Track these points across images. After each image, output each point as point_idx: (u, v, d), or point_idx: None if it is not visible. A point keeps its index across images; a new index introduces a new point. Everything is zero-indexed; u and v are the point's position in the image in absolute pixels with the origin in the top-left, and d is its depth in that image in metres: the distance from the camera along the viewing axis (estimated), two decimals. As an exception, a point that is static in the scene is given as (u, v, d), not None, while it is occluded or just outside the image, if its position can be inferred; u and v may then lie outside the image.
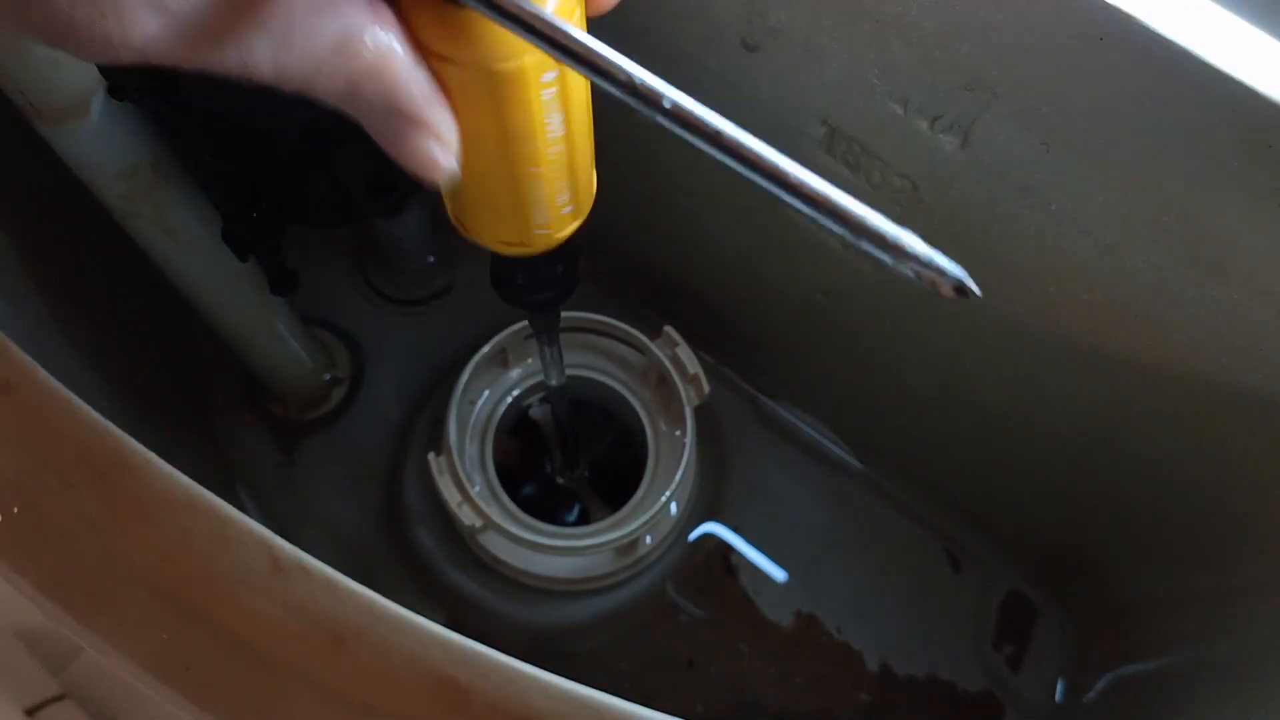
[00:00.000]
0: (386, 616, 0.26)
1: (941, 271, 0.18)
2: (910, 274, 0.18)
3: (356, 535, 0.66)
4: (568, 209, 0.27)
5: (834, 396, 0.68)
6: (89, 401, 0.28)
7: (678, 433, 0.62)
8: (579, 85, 0.23)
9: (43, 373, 0.28)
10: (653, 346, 0.62)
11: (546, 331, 0.43)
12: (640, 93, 0.19)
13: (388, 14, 0.19)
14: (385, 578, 0.65)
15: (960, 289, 0.18)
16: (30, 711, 0.60)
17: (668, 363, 0.61)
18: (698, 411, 0.62)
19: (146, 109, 0.43)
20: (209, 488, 0.27)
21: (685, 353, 0.61)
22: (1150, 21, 0.33)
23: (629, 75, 0.19)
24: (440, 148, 0.21)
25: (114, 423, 0.28)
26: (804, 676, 0.65)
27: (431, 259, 0.72)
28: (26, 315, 0.44)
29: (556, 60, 0.19)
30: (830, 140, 0.46)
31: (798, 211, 0.19)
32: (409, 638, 0.26)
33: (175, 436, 0.62)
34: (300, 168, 0.47)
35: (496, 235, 0.27)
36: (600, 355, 0.66)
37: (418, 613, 0.26)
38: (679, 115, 0.19)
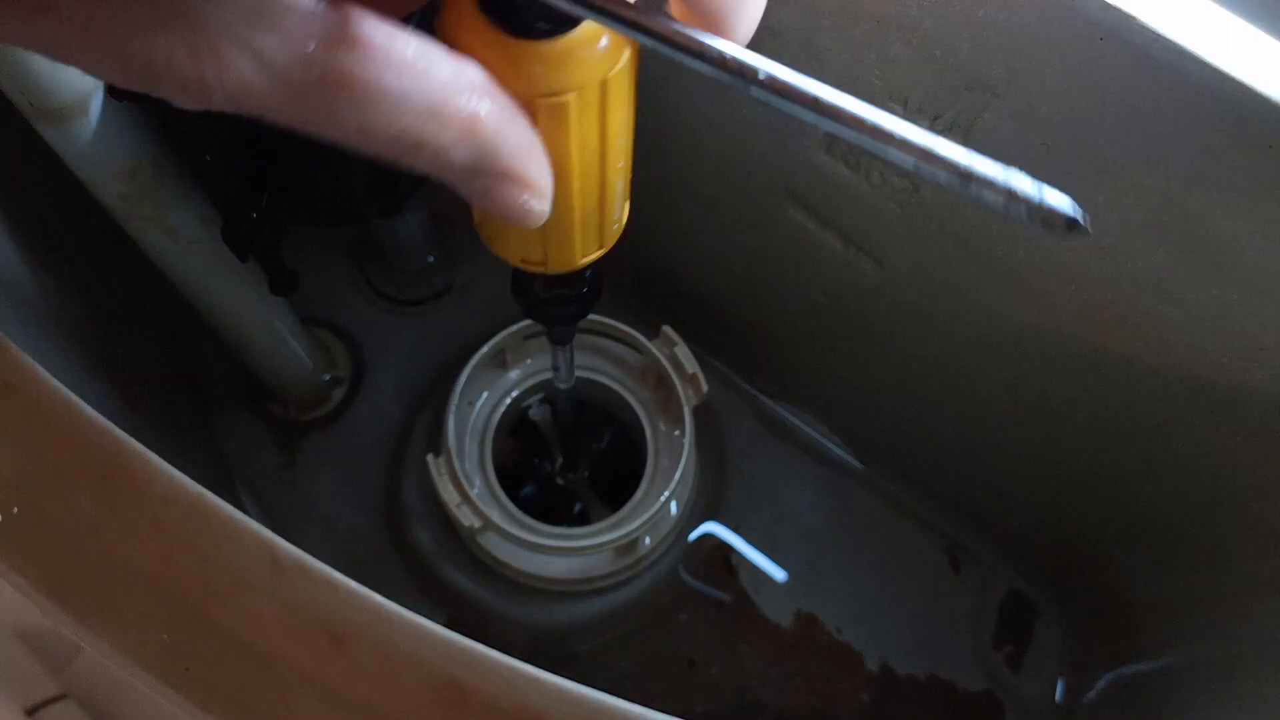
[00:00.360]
0: (386, 616, 0.26)
1: (1052, 210, 0.18)
2: (1023, 214, 0.18)
3: (356, 535, 0.66)
4: (594, 237, 0.27)
5: (834, 396, 0.68)
6: (89, 401, 0.28)
7: (676, 433, 0.62)
8: (620, 119, 0.23)
9: (43, 373, 0.28)
10: (651, 346, 0.62)
11: (563, 341, 0.43)
12: (732, 68, 0.18)
13: (474, 69, 0.18)
14: (385, 578, 0.65)
15: (1071, 224, 0.18)
16: (30, 711, 0.60)
17: (666, 362, 0.61)
18: (697, 411, 0.62)
19: (146, 109, 0.43)
20: (209, 488, 0.27)
21: (684, 352, 0.61)
22: (1150, 21, 0.33)
23: (720, 53, 0.18)
24: (535, 199, 0.20)
25: (114, 423, 0.27)
26: (804, 676, 0.65)
27: (431, 259, 0.72)
28: (26, 315, 0.44)
29: (657, 50, 0.18)
30: (830, 140, 0.46)
31: (899, 165, 0.18)
32: (409, 638, 0.26)
33: (175, 436, 0.62)
34: (300, 168, 0.47)
35: (518, 252, 0.27)
36: (599, 355, 0.66)
37: (418, 613, 0.26)
38: (774, 86, 0.18)
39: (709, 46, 0.18)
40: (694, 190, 0.58)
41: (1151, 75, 0.34)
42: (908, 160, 0.18)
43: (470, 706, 0.25)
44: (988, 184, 0.18)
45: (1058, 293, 0.45)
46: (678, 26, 0.18)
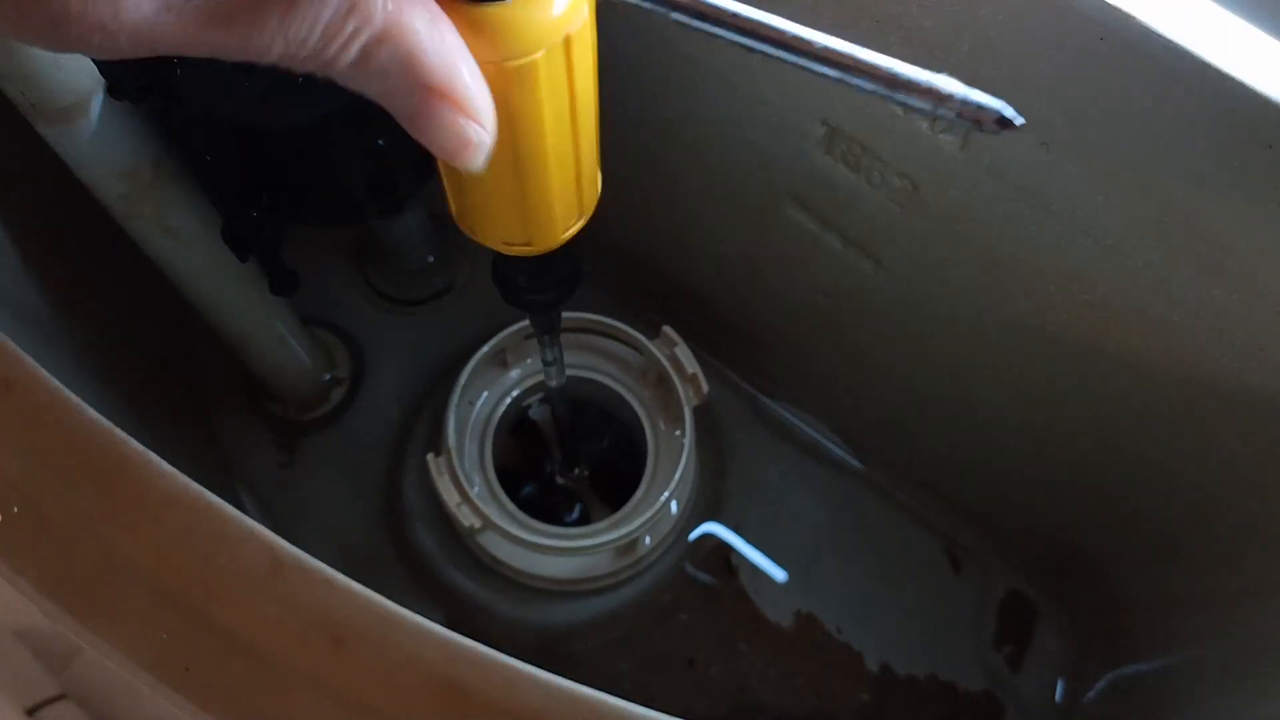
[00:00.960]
0: (386, 616, 0.26)
1: (980, 107, 0.18)
2: (953, 115, 0.18)
3: (356, 535, 0.66)
4: (574, 205, 0.27)
5: (834, 396, 0.68)
6: (89, 401, 0.28)
7: (677, 432, 0.62)
8: (586, 77, 0.23)
9: (43, 373, 0.28)
10: (651, 346, 0.62)
11: (548, 331, 0.43)
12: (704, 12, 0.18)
13: None
14: (385, 578, 0.65)
15: (1001, 120, 0.18)
16: (30, 711, 0.60)
17: (666, 362, 0.61)
18: (697, 411, 0.62)
19: (146, 109, 0.43)
20: (209, 488, 0.27)
21: (684, 352, 0.61)
22: (1150, 21, 0.33)
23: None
24: (469, 123, 0.19)
25: (114, 423, 0.27)
26: (804, 676, 0.65)
27: (431, 259, 0.72)
28: (27, 315, 0.44)
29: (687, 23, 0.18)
30: (830, 140, 0.46)
31: (826, 76, 0.19)
32: (409, 638, 0.26)
33: (175, 436, 0.62)
34: (300, 168, 0.47)
35: (501, 235, 0.27)
36: (599, 355, 0.66)
37: (418, 613, 0.26)
38: (694, 9, 0.18)
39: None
40: (694, 190, 0.58)
41: (1151, 75, 0.34)
42: (832, 71, 0.18)
43: (470, 706, 0.25)
44: (915, 86, 0.18)
45: (1058, 292, 0.45)
46: None
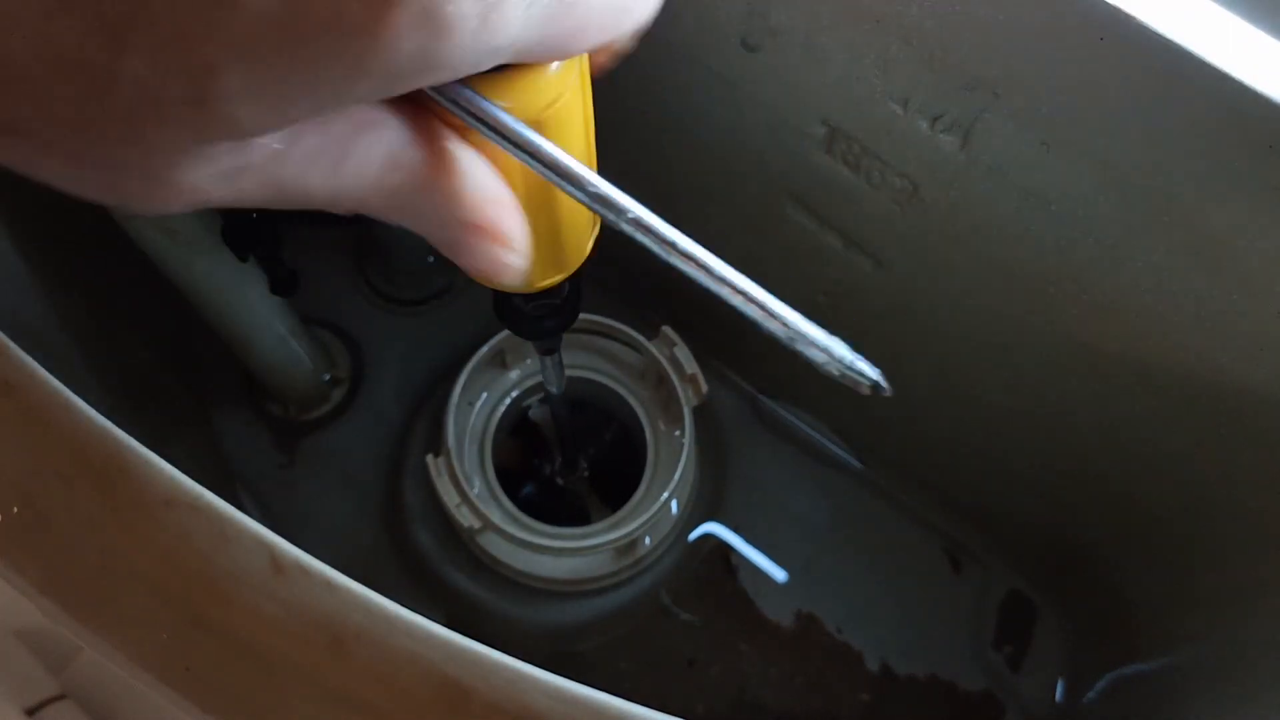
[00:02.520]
0: (386, 616, 0.26)
1: (860, 373, 0.22)
2: (835, 374, 0.22)
3: (356, 535, 0.66)
4: (577, 252, 0.27)
5: (834, 396, 0.68)
6: (89, 401, 0.28)
7: (676, 433, 0.62)
8: (589, 102, 0.23)
9: (43, 373, 0.28)
10: (650, 346, 0.62)
11: (549, 352, 0.43)
12: (604, 202, 0.20)
13: (430, 129, 0.19)
14: (385, 578, 0.65)
15: (875, 387, 0.22)
16: (30, 711, 0.60)
17: (665, 362, 0.61)
18: (697, 411, 0.62)
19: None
20: (209, 488, 0.27)
21: (683, 352, 0.61)
22: (1150, 21, 0.33)
23: (595, 188, 0.20)
24: (506, 251, 0.20)
25: (114, 422, 0.27)
26: (804, 676, 0.65)
27: (431, 259, 0.72)
28: (26, 315, 0.44)
29: (535, 170, 0.19)
30: (830, 140, 0.46)
31: (742, 314, 0.22)
32: (409, 638, 0.26)
33: (175, 436, 0.62)
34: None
35: (535, 278, 0.27)
36: (598, 355, 0.66)
37: (418, 613, 0.26)
38: (640, 225, 0.20)
39: (585, 179, 0.19)
40: (693, 190, 0.58)
41: (1151, 75, 0.34)
42: (751, 310, 0.21)
43: (470, 706, 0.25)
44: (813, 344, 0.22)
45: (1058, 293, 0.45)
46: (560, 155, 0.19)
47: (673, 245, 0.21)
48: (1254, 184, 0.35)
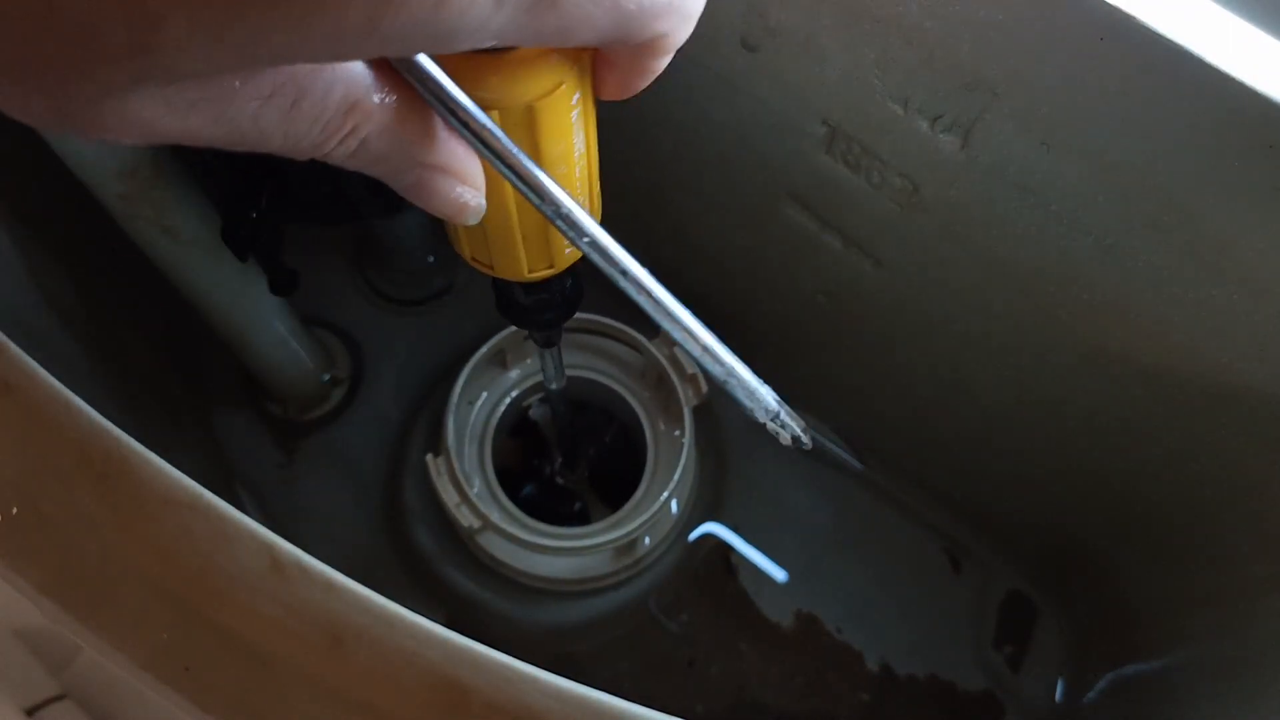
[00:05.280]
0: (386, 616, 0.26)
1: (784, 424, 0.23)
2: (767, 420, 0.23)
3: (356, 535, 0.66)
4: (569, 249, 0.27)
5: (834, 396, 0.68)
6: (89, 401, 0.28)
7: (676, 432, 0.62)
8: (590, 102, 0.23)
9: (43, 373, 0.28)
10: (651, 346, 0.62)
11: (549, 346, 0.43)
12: (566, 220, 0.20)
13: (390, 72, 0.19)
14: (385, 578, 0.65)
15: (796, 440, 0.23)
16: (30, 711, 0.60)
17: (665, 362, 0.61)
18: (697, 411, 0.62)
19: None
20: (209, 488, 0.27)
21: (683, 352, 0.61)
22: (1150, 21, 0.33)
23: (558, 203, 0.20)
24: (466, 190, 0.21)
25: (114, 423, 0.27)
26: (804, 676, 0.65)
27: (431, 259, 0.72)
28: (27, 315, 0.44)
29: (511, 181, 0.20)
30: (830, 140, 0.46)
31: (684, 349, 0.23)
32: (409, 638, 0.26)
33: (175, 436, 0.62)
34: (300, 168, 0.47)
35: (524, 268, 0.27)
36: (598, 355, 0.66)
37: (418, 613, 0.26)
38: (597, 248, 0.21)
39: (552, 194, 0.20)
40: (693, 190, 0.58)
41: (1151, 75, 0.34)
42: (695, 350, 0.22)
43: (470, 706, 0.25)
44: (747, 388, 0.23)
45: (1058, 293, 0.45)
46: (537, 173, 0.20)
47: (625, 273, 0.21)
48: (1254, 184, 0.35)
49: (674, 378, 0.61)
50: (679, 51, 0.21)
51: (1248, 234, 0.37)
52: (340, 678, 0.25)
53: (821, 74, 0.43)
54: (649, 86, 0.22)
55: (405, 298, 0.73)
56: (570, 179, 0.24)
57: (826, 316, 0.59)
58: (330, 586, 0.26)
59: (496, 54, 0.20)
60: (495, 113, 0.21)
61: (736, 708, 0.64)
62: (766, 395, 0.23)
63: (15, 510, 0.26)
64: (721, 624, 0.66)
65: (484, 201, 0.21)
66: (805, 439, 0.23)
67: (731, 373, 0.22)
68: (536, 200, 0.20)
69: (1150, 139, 0.36)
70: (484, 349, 0.61)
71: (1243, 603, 0.48)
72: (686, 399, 0.61)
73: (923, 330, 0.55)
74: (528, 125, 0.22)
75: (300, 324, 0.63)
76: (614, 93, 0.22)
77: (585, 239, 0.20)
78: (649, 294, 0.21)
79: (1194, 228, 0.38)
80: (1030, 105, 0.38)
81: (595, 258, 0.21)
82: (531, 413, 0.68)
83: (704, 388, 0.61)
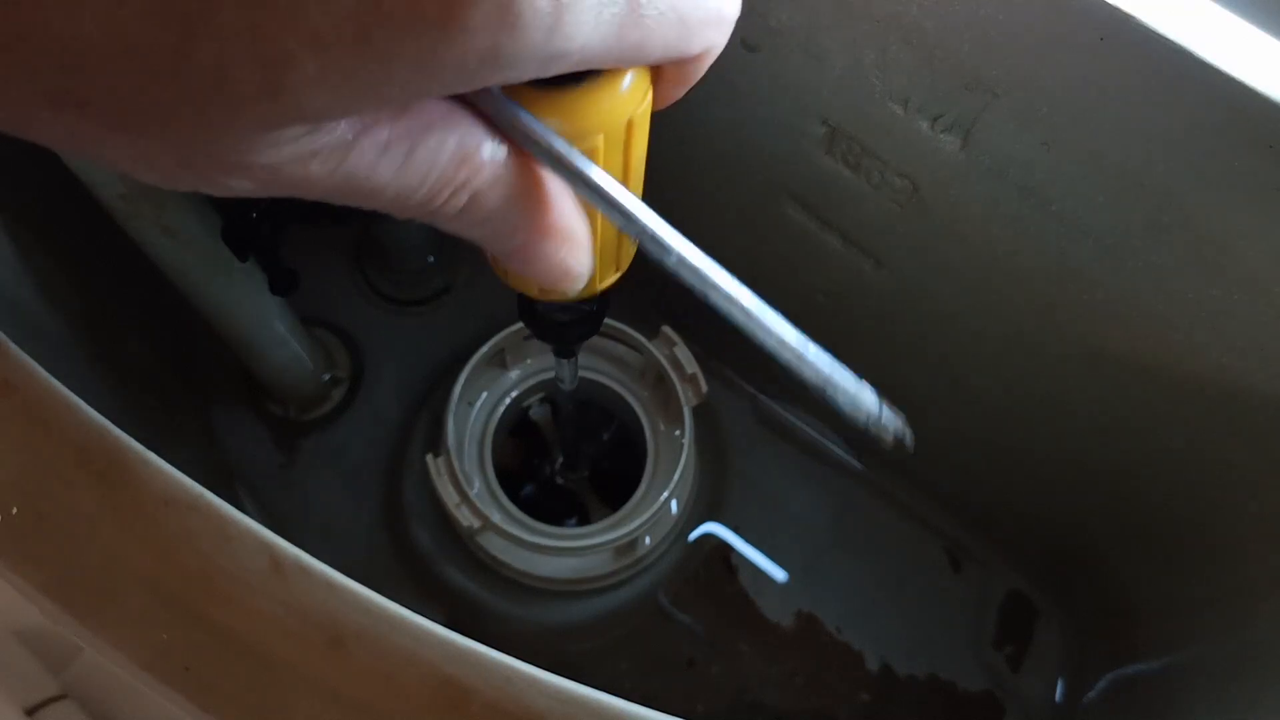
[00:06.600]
0: (386, 616, 0.26)
1: (886, 426, 0.22)
2: (864, 423, 0.22)
3: (356, 535, 0.66)
4: (612, 262, 0.28)
5: (834, 396, 0.68)
6: (89, 401, 0.28)
7: (676, 432, 0.62)
8: (640, 155, 0.23)
9: (43, 373, 0.28)
10: (650, 346, 0.62)
11: (567, 356, 0.43)
12: (651, 239, 0.19)
13: (496, 129, 0.19)
14: (385, 578, 0.65)
15: (897, 442, 0.22)
16: (30, 711, 0.60)
17: (665, 362, 0.61)
18: (697, 411, 0.62)
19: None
20: (209, 488, 0.27)
21: (683, 352, 0.61)
22: (1150, 21, 0.33)
23: (643, 225, 0.19)
24: (578, 255, 0.20)
25: (114, 422, 0.27)
26: (804, 676, 0.65)
27: (431, 259, 0.72)
28: (27, 316, 0.44)
29: (588, 200, 0.19)
30: (830, 140, 0.46)
31: (776, 358, 0.21)
32: (409, 638, 0.26)
33: (175, 436, 0.62)
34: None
35: (596, 281, 0.27)
36: (598, 355, 0.66)
37: (418, 613, 0.26)
38: (684, 266, 0.20)
39: (635, 215, 0.19)
40: (693, 189, 0.58)
41: (1151, 75, 0.34)
42: (789, 357, 0.21)
43: (470, 706, 0.25)
44: (843, 392, 0.21)
45: (1058, 292, 0.45)
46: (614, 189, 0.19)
47: (715, 286, 0.20)
48: (1254, 184, 0.35)
49: (674, 378, 0.61)
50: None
51: (1248, 234, 0.37)
52: (340, 678, 0.25)
53: (821, 74, 0.43)
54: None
55: (405, 298, 0.73)
56: (640, 184, 0.24)
57: (826, 316, 0.59)
58: (330, 586, 0.26)
59: (582, 81, 0.19)
60: (600, 136, 0.20)
61: (736, 708, 0.64)
62: (869, 398, 0.22)
63: (15, 510, 0.26)
64: (721, 624, 0.66)
65: (590, 269, 0.21)
66: (909, 440, 0.22)
67: (830, 381, 0.21)
68: (646, 244, 0.19)
69: (1150, 139, 0.36)
70: (484, 349, 0.61)
71: (1243, 603, 0.48)
72: (686, 399, 0.61)
73: (922, 330, 0.55)
74: (625, 141, 0.21)
75: (300, 324, 0.63)
76: (659, 103, 0.22)
77: (672, 256, 0.19)
78: (742, 307, 0.20)
79: (1194, 228, 0.38)
80: (1030, 105, 0.38)
81: (682, 274, 0.20)
82: (531, 413, 0.68)
83: (704, 387, 0.61)
